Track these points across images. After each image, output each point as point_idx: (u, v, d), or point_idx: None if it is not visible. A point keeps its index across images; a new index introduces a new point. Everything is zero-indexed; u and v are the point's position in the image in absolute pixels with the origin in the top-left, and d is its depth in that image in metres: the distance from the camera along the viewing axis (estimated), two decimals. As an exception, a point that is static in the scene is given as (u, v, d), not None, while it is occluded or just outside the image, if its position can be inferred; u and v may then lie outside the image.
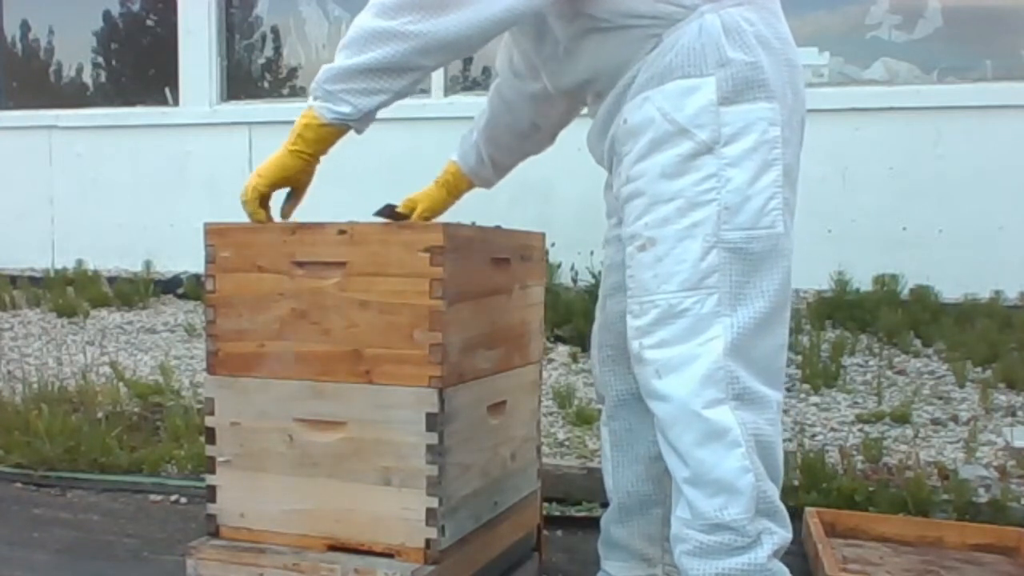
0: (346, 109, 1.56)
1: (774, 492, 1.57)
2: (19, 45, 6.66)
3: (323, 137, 1.59)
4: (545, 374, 3.13)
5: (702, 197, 1.52)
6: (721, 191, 1.51)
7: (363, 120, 1.59)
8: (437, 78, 5.37)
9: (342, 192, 4.90)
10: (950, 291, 4.37)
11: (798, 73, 1.60)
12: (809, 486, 2.51)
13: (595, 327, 1.92)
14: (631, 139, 1.59)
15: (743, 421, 1.52)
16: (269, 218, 1.67)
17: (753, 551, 1.54)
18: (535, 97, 1.91)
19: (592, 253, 4.50)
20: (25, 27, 6.61)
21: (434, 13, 1.49)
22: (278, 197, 1.70)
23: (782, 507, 1.59)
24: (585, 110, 1.85)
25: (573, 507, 2.54)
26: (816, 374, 3.59)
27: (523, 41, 1.79)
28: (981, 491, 2.52)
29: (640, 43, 1.57)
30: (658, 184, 1.54)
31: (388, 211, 1.91)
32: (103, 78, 6.58)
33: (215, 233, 1.69)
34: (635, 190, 1.58)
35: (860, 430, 3.08)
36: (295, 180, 1.64)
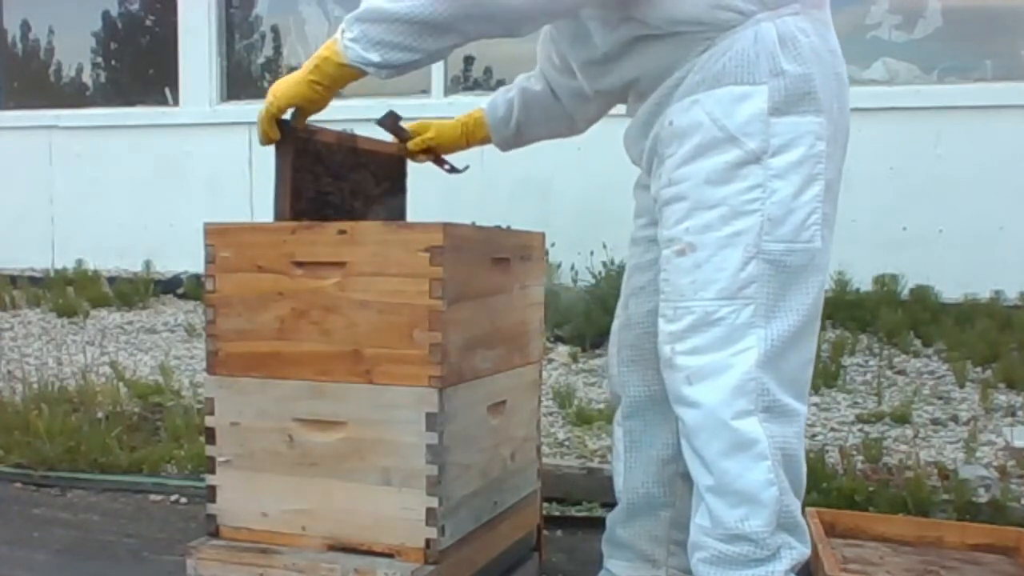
0: (374, 58, 1.51)
1: (796, 507, 1.57)
2: (19, 45, 6.66)
3: (342, 76, 1.56)
4: (545, 374, 3.13)
5: (746, 207, 1.50)
6: (766, 202, 1.50)
7: (384, 73, 1.54)
8: (438, 78, 5.38)
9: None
10: (950, 291, 4.37)
11: (845, 87, 1.59)
12: (809, 486, 2.49)
13: (615, 326, 1.90)
14: (676, 141, 1.56)
15: (771, 434, 1.52)
16: (283, 132, 1.66)
17: (771, 564, 1.54)
18: (575, 93, 1.88)
19: (592, 253, 4.50)
20: (25, 27, 6.61)
21: None
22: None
23: (803, 522, 1.59)
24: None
25: (573, 507, 2.54)
26: (816, 374, 3.57)
27: (560, 42, 1.76)
28: (981, 491, 2.52)
29: (691, 46, 1.55)
30: (702, 190, 1.53)
31: (391, 122, 1.87)
32: (103, 78, 6.58)
33: (215, 233, 1.69)
34: (677, 193, 1.56)
35: (860, 430, 3.08)
36: (308, 106, 1.63)
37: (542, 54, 1.92)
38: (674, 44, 1.56)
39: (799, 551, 1.57)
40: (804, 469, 1.60)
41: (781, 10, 1.52)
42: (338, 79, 1.57)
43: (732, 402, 1.51)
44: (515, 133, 1.99)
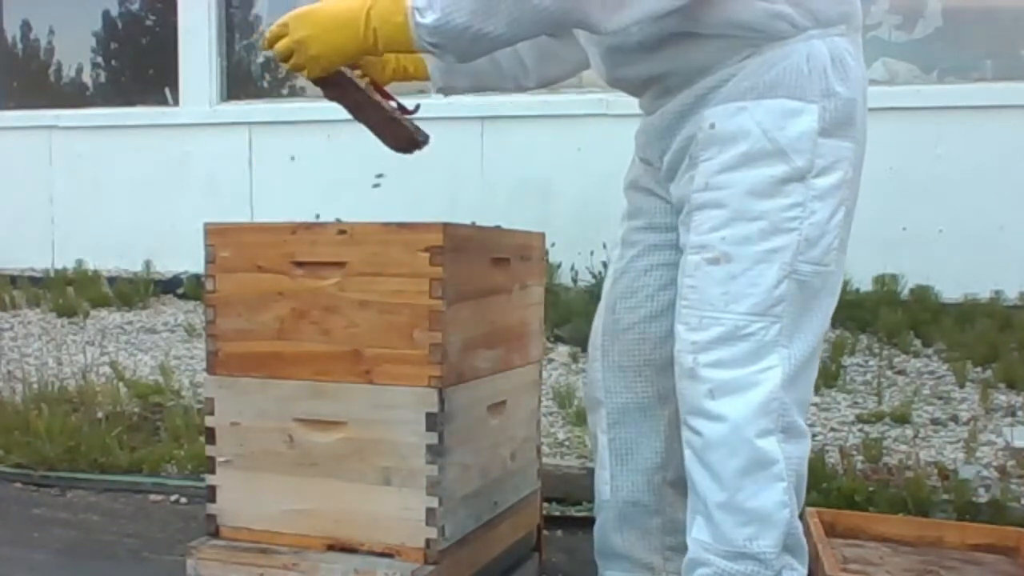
0: (452, 60, 1.52)
1: (800, 527, 1.57)
2: (19, 45, 6.66)
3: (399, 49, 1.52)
4: (545, 374, 3.13)
5: (786, 224, 1.48)
6: (804, 222, 1.48)
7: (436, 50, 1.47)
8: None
9: (342, 191, 4.89)
10: (950, 291, 4.37)
11: (867, 119, 1.58)
12: (809, 486, 2.50)
13: (598, 329, 1.87)
14: (716, 145, 1.52)
15: (788, 455, 1.51)
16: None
17: None
18: (541, 50, 1.84)
19: (592, 253, 4.50)
20: (25, 27, 6.61)
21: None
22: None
23: (804, 542, 1.59)
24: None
25: (573, 507, 2.54)
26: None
27: None
28: (981, 491, 2.53)
29: (733, 51, 1.51)
30: (744, 200, 1.50)
31: None
32: (103, 78, 6.58)
33: (215, 233, 1.69)
34: (714, 199, 1.52)
35: (860, 430, 3.08)
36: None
37: None
38: (716, 46, 1.52)
39: (799, 573, 1.57)
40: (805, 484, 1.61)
41: (830, 29, 1.50)
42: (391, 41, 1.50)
43: (756, 420, 1.49)
44: (455, 70, 1.88)
